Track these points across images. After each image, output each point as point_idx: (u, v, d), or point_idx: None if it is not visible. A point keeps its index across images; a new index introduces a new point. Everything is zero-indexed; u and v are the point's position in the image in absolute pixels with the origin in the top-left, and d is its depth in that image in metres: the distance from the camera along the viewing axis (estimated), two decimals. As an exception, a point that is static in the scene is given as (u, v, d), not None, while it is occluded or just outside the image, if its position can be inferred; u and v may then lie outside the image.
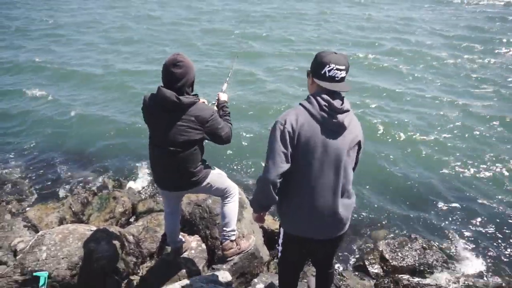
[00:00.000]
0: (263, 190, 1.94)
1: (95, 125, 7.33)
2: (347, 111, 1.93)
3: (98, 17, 17.19)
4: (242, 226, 3.42)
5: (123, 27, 15.32)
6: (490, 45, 12.49)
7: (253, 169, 5.79)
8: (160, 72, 2.43)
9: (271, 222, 4.02)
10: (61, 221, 4.31)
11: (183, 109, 2.36)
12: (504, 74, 9.82)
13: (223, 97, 2.88)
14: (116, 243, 3.29)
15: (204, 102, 2.86)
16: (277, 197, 1.96)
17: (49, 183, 5.45)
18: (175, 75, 2.33)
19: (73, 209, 4.45)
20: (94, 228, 3.37)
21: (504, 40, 12.90)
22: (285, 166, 1.88)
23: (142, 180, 5.41)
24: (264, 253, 3.45)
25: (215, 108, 2.82)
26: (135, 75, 9.95)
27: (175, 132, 2.39)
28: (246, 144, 6.52)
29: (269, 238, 3.86)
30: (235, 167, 5.89)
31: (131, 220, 4.46)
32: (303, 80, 8.95)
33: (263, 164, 1.97)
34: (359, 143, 2.01)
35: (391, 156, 6.19)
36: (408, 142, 6.61)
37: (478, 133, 6.85)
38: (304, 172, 1.92)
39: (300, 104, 1.96)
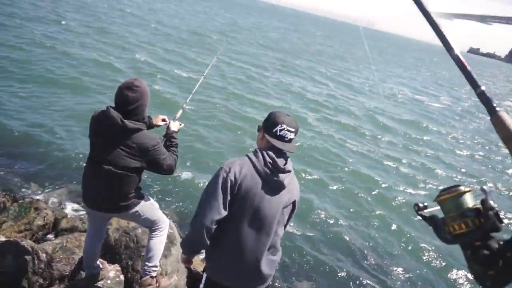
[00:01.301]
0: (196, 234, 1.94)
1: (34, 126, 6.87)
2: (289, 171, 2.04)
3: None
4: (168, 263, 3.30)
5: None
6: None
7: (191, 205, 5.67)
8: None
9: (198, 263, 3.92)
10: (-33, 225, 3.86)
11: (126, 134, 2.36)
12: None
13: (174, 126, 2.87)
14: (25, 259, 3.01)
15: (164, 120, 2.95)
16: (208, 242, 1.96)
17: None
18: (128, 98, 2.36)
19: (-16, 213, 4.02)
20: (3, 239, 3.07)
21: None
22: (222, 213, 1.91)
23: (74, 195, 5.05)
24: (184, 294, 3.33)
25: (161, 137, 2.82)
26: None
27: (115, 154, 2.38)
28: (189, 177, 6.45)
29: (193, 279, 3.73)
30: (172, 199, 5.73)
31: (50, 236, 4.10)
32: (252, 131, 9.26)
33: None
34: (293, 203, 2.12)
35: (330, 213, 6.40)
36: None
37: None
38: (237, 222, 1.97)
39: (247, 155, 2.04)
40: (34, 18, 14.23)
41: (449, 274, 5.55)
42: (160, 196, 5.65)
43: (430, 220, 1.14)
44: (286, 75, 17.98)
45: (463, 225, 1.06)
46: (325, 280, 4.88)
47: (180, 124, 2.97)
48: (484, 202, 1.06)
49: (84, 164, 2.61)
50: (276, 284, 4.63)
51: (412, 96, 21.19)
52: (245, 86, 14.04)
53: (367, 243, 5.88)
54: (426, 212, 1.16)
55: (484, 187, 1.08)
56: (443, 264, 5.77)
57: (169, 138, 2.79)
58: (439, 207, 1.14)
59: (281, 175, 1.99)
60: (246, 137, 8.90)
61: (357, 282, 4.93)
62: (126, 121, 2.33)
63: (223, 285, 2.06)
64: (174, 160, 2.60)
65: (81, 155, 5.99)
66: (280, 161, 2.00)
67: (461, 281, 5.42)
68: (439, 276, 5.49)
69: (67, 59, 11.41)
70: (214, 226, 1.92)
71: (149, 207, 2.75)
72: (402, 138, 12.12)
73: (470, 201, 1.09)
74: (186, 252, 2.15)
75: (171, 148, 2.71)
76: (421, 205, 1.16)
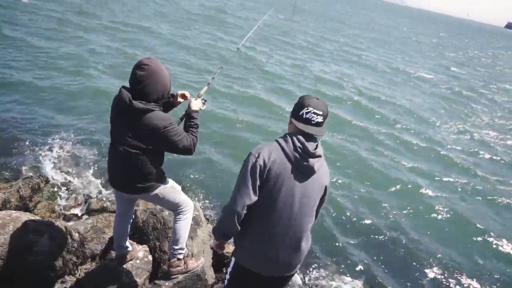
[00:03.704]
0: (228, 220, 1.96)
1: (65, 108, 7.11)
2: (319, 156, 1.99)
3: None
4: (194, 244, 3.36)
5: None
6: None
7: (219, 187, 5.72)
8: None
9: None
10: (5, 204, 4.06)
11: (136, 114, 2.31)
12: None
13: (195, 105, 2.67)
14: (59, 239, 3.14)
15: (183, 95, 2.79)
16: (239, 228, 1.97)
17: (2, 161, 5.14)
18: (136, 77, 2.30)
19: (21, 193, 4.21)
20: (39, 219, 3.21)
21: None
22: (253, 199, 1.91)
23: (103, 177, 5.21)
24: (210, 275, 3.40)
25: (178, 119, 2.71)
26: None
27: (128, 135, 2.36)
28: (218, 160, 6.47)
29: (218, 260, 3.81)
30: (200, 181, 5.79)
31: (81, 215, 4.27)
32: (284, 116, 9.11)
33: (232, 190, 1.99)
34: (325, 189, 2.07)
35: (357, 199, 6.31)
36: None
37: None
38: (268, 208, 1.95)
39: (276, 140, 2.00)
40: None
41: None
42: (186, 178, 5.73)
43: None
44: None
45: None
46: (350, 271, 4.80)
47: (204, 102, 2.80)
48: None
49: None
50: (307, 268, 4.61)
51: None
52: (283, 64, 13.74)
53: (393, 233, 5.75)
54: None
55: None
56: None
57: (189, 117, 2.64)
58: None
59: (311, 160, 1.94)
60: (279, 120, 8.74)
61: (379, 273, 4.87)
62: (134, 102, 2.26)
63: (251, 271, 2.07)
64: (191, 141, 2.48)
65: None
66: (310, 145, 1.95)
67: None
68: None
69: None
70: (245, 212, 1.92)
71: (169, 190, 2.72)
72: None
73: None
74: (218, 238, 2.17)
75: (190, 129, 2.58)
76: None
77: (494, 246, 5.73)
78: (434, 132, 10.55)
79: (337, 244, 5.12)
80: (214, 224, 4.57)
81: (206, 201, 5.28)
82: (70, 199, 4.23)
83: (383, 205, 6.28)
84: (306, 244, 2.09)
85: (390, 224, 5.81)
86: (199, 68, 11.54)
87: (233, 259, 2.19)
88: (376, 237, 5.44)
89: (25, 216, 3.12)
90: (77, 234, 3.43)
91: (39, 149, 5.56)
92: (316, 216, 2.14)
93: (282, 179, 1.91)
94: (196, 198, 5.18)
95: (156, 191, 2.63)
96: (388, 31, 42.15)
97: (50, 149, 5.62)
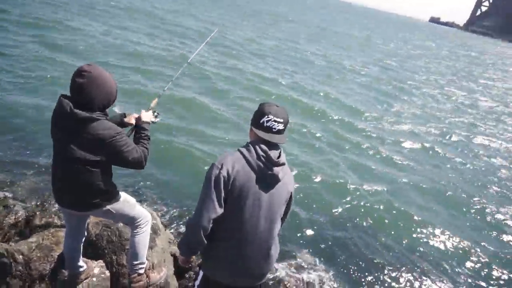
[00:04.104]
0: (193, 235, 1.91)
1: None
2: (283, 164, 2.01)
3: None
4: (154, 254, 3.25)
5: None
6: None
7: (176, 193, 5.52)
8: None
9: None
10: None
11: (79, 124, 2.17)
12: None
13: (145, 117, 2.61)
14: (0, 264, 2.86)
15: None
16: (206, 242, 1.93)
17: None
18: (76, 85, 2.15)
19: None
20: (-25, 245, 2.89)
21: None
22: (218, 212, 1.88)
23: (46, 189, 4.73)
24: (173, 285, 3.33)
25: (128, 130, 2.62)
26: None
27: (71, 147, 2.20)
28: (172, 168, 6.26)
29: (180, 267, 3.73)
30: (156, 189, 5.55)
31: (24, 234, 3.90)
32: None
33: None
34: (290, 196, 2.10)
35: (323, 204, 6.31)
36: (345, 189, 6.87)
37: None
38: (234, 219, 1.94)
39: (239, 150, 1.99)
40: None
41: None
42: (140, 188, 5.47)
43: None
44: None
45: None
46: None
47: (156, 114, 2.75)
48: None
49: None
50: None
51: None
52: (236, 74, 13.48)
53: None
54: None
55: None
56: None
57: (138, 129, 2.55)
58: None
59: (275, 168, 1.95)
60: (239, 129, 8.57)
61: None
62: (76, 110, 2.12)
63: (221, 282, 2.06)
64: (142, 153, 2.36)
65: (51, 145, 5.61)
66: (273, 154, 1.96)
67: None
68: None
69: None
70: (211, 225, 1.89)
71: (123, 205, 2.58)
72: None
73: None
74: (185, 253, 2.12)
75: (141, 141, 2.48)
76: None
77: (428, 233, 6.03)
78: (369, 125, 11.05)
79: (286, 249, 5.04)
80: (173, 230, 4.50)
81: (163, 207, 5.10)
82: (9, 217, 3.84)
83: (325, 204, 6.31)
84: (275, 252, 2.12)
85: (334, 223, 5.83)
86: (146, 76, 10.74)
87: (201, 272, 2.15)
88: (323, 237, 5.45)
89: (-42, 243, 2.78)
90: (20, 256, 3.15)
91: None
92: (283, 221, 2.18)
93: (247, 189, 1.91)
94: (152, 206, 4.97)
95: (108, 207, 2.48)
96: (323, 26, 43.82)
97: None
